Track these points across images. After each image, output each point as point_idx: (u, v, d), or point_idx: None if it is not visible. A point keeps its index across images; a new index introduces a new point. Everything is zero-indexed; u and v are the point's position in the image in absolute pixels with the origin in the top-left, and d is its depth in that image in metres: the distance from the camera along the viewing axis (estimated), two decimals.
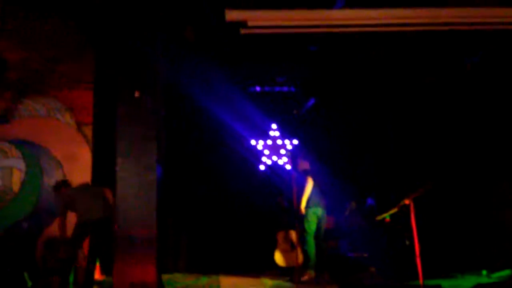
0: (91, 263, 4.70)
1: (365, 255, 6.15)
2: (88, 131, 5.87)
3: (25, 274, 4.60)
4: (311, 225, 5.45)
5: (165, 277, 5.48)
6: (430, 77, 6.61)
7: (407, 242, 5.35)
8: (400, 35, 5.24)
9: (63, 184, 4.91)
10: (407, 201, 4.60)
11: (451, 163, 6.61)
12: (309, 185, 5.49)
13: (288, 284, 5.43)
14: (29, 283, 4.76)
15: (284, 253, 5.97)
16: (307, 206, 5.45)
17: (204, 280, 5.75)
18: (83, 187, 5.00)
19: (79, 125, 5.89)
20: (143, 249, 4.54)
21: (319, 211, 5.50)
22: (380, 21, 4.83)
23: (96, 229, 4.70)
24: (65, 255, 4.64)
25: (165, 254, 6.15)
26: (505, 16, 4.69)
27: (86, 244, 4.83)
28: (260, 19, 4.66)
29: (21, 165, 5.77)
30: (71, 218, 4.76)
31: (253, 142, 7.12)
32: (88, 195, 4.80)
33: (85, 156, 5.80)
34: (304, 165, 5.78)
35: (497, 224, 6.32)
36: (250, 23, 4.68)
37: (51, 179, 5.74)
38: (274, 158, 7.07)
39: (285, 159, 7.04)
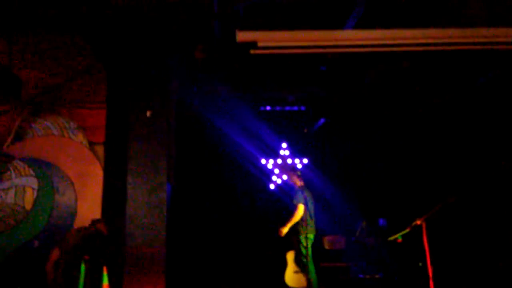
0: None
1: (377, 276, 6.05)
2: (100, 150, 5.92)
3: None
4: (309, 251, 5.41)
5: None
6: (438, 97, 6.59)
7: (420, 264, 5.25)
8: (409, 55, 5.25)
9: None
10: (419, 222, 4.54)
11: (465, 183, 6.53)
12: (299, 212, 5.47)
13: None
14: None
15: (294, 273, 5.89)
16: (303, 231, 5.41)
17: None
18: None
19: (92, 144, 5.95)
20: (153, 267, 4.54)
21: (313, 236, 5.49)
22: (389, 41, 4.86)
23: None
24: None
25: (175, 272, 6.13)
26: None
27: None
28: (270, 39, 4.71)
29: (34, 183, 5.83)
30: None
31: (263, 161, 7.12)
32: None
33: (96, 174, 5.83)
34: (294, 178, 5.73)
35: None
36: (260, 44, 4.74)
37: (63, 197, 5.79)
38: (284, 177, 7.05)
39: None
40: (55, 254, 5.48)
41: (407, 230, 4.70)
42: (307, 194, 5.55)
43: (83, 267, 4.75)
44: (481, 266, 6.11)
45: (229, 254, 6.68)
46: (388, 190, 6.88)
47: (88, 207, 5.71)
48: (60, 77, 6.03)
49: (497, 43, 4.79)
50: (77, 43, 6.03)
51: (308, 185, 5.77)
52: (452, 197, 4.67)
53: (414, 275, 5.37)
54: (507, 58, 5.48)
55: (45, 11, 4.82)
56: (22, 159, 5.88)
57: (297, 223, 5.43)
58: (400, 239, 4.92)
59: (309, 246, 5.43)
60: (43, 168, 5.86)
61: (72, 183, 5.84)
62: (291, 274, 5.92)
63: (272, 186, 7.01)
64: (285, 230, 5.40)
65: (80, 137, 5.97)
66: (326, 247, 6.54)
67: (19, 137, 5.96)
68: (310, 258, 5.41)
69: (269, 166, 7.15)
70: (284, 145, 7.21)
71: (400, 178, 6.90)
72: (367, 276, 6.09)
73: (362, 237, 6.39)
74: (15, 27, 5.57)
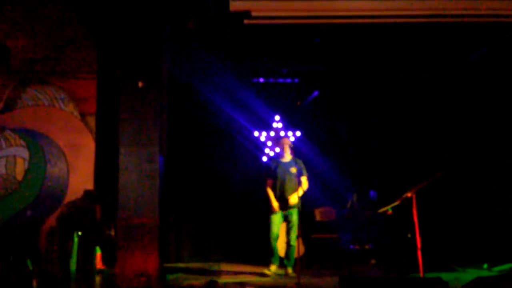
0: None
1: (367, 247, 6.17)
2: (92, 121, 5.87)
3: (28, 262, 4.64)
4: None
5: (167, 266, 5.53)
6: (431, 71, 6.59)
7: (409, 235, 5.36)
8: (405, 26, 5.20)
9: None
10: (409, 194, 4.61)
11: (454, 156, 6.60)
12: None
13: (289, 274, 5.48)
14: (32, 272, 4.81)
15: (286, 244, 5.97)
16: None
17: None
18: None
19: (83, 115, 5.89)
20: (145, 238, 4.57)
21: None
22: (386, 12, 4.80)
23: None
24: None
25: (167, 243, 6.20)
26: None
27: None
28: (264, 9, 4.64)
29: (25, 153, 5.80)
30: None
31: (256, 133, 7.12)
32: None
33: (88, 146, 5.81)
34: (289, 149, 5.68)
35: (499, 218, 6.32)
36: (254, 14, 4.66)
37: (54, 168, 5.77)
38: (277, 149, 7.06)
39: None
40: (48, 224, 5.51)
41: (397, 202, 4.77)
42: None
43: (76, 237, 4.79)
44: (468, 238, 6.25)
45: (221, 226, 6.75)
46: (379, 163, 6.94)
47: (80, 178, 5.70)
48: (50, 47, 5.91)
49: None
50: (67, 13, 5.89)
51: (300, 157, 5.78)
52: (442, 170, 4.74)
53: (403, 246, 5.48)
54: (503, 31, 5.46)
55: None
56: (12, 129, 5.82)
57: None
58: (390, 211, 5.00)
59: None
60: (34, 139, 5.81)
61: (63, 154, 5.81)
62: (282, 244, 6.00)
63: (264, 159, 7.03)
64: (294, 199, 5.37)
65: (71, 107, 5.91)
66: (317, 218, 6.63)
67: (9, 107, 5.88)
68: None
69: (262, 138, 7.15)
70: (277, 117, 7.19)
71: (391, 151, 6.95)
72: (357, 247, 6.21)
73: (353, 209, 6.48)
74: None
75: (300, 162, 5.61)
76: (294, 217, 5.47)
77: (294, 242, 5.49)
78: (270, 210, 5.60)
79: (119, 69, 4.98)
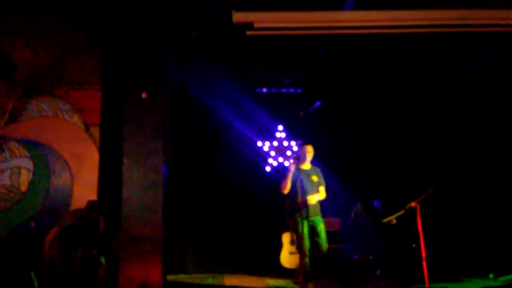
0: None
1: (371, 257, 6.12)
2: (96, 131, 5.89)
3: (32, 274, 4.64)
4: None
5: (170, 277, 5.51)
6: (433, 80, 6.59)
7: (413, 245, 5.33)
8: (407, 37, 5.21)
9: None
10: (413, 204, 4.60)
11: (459, 166, 6.58)
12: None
13: (293, 286, 5.44)
14: (36, 283, 4.80)
15: (290, 254, 5.96)
16: None
17: (209, 281, 5.77)
18: None
19: (87, 126, 5.92)
20: (149, 249, 4.57)
21: None
22: (389, 23, 4.82)
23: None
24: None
25: (170, 254, 6.18)
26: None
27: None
28: (267, 20, 4.67)
29: (29, 165, 5.82)
30: None
31: (259, 143, 7.12)
32: None
33: (92, 156, 5.82)
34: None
35: (505, 228, 6.28)
36: (256, 25, 4.69)
37: (58, 179, 5.78)
38: (280, 159, 7.06)
39: (291, 160, 7.01)
40: (52, 235, 5.51)
41: (402, 212, 4.75)
42: None
43: (80, 248, 4.79)
44: (473, 248, 6.20)
45: (224, 235, 6.73)
46: (383, 172, 6.91)
47: (84, 188, 5.71)
48: (54, 58, 5.95)
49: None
50: (73, 25, 5.94)
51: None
52: (445, 180, 4.73)
53: (407, 256, 5.44)
54: (503, 41, 5.47)
55: None
56: (17, 141, 5.85)
57: None
58: (394, 221, 4.99)
59: None
60: (38, 150, 5.84)
61: (68, 165, 5.83)
62: (286, 255, 5.98)
63: (268, 169, 7.03)
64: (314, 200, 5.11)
65: (75, 118, 5.94)
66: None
67: (13, 118, 5.91)
68: None
69: (265, 148, 7.15)
70: (280, 127, 7.19)
71: (395, 160, 6.93)
72: (361, 258, 6.17)
73: (357, 219, 6.45)
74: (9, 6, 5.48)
75: (319, 170, 5.42)
76: (322, 225, 5.12)
77: (326, 250, 5.11)
78: (293, 218, 5.12)
79: (123, 80, 5.01)
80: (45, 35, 5.95)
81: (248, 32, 4.80)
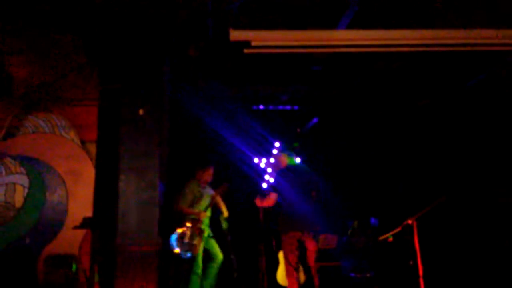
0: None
1: (368, 275, 6.09)
2: (93, 148, 5.88)
3: None
4: None
5: None
6: (429, 98, 6.65)
7: (411, 263, 5.31)
8: (401, 55, 5.28)
9: None
10: (410, 221, 4.59)
11: (455, 183, 6.59)
12: None
13: None
14: None
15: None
16: None
17: None
18: None
19: (84, 142, 5.92)
20: (145, 266, 4.53)
21: None
22: (383, 41, 4.89)
23: None
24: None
25: (167, 271, 6.11)
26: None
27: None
28: (264, 39, 4.72)
29: (24, 181, 5.79)
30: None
31: (256, 160, 7.13)
32: None
33: (88, 172, 5.80)
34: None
35: (503, 246, 6.26)
36: (253, 43, 4.74)
37: (53, 195, 5.75)
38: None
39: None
40: (47, 251, 5.45)
41: (398, 229, 4.74)
42: None
43: (74, 265, 4.74)
44: (470, 266, 6.17)
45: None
46: (379, 189, 6.92)
47: (80, 205, 5.68)
48: (52, 74, 5.98)
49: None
50: (70, 41, 5.98)
51: None
52: (442, 197, 4.73)
53: (405, 274, 5.41)
54: (499, 59, 5.55)
55: (38, 7, 4.78)
56: (13, 157, 5.83)
57: None
58: (391, 238, 4.97)
59: None
60: (34, 166, 5.82)
61: (63, 181, 5.80)
62: (283, 273, 5.93)
63: (264, 185, 7.02)
64: None
65: (71, 134, 5.94)
66: (319, 246, 6.56)
67: (10, 134, 5.91)
68: None
69: (262, 165, 7.15)
70: (277, 144, 7.21)
71: (392, 177, 6.95)
72: (358, 275, 6.13)
73: (353, 236, 6.43)
74: (7, 23, 5.50)
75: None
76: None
77: None
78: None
79: (121, 97, 5.03)
80: (44, 52, 5.98)
81: (245, 50, 4.85)
